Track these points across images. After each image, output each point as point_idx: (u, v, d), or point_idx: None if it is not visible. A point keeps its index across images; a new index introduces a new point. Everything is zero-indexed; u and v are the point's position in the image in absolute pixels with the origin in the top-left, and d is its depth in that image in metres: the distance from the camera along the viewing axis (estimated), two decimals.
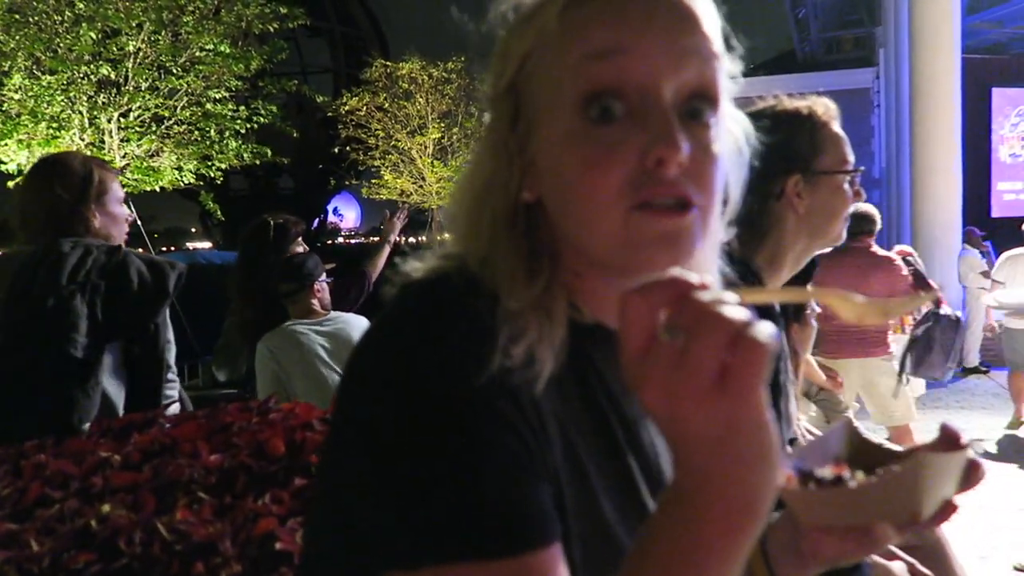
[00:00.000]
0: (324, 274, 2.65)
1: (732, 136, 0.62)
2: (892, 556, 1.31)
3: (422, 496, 0.47)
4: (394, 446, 0.49)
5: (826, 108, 1.32)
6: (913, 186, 10.26)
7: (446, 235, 0.64)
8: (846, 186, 1.32)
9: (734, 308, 0.40)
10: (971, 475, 0.51)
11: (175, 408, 1.99)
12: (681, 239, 0.55)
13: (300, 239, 2.90)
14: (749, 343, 0.39)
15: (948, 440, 0.50)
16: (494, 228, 0.59)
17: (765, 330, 0.39)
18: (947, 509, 0.50)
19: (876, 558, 1.24)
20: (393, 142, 16.56)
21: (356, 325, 2.58)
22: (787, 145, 1.28)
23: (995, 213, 17.67)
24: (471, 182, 0.62)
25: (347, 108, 16.60)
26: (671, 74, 0.54)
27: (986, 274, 8.49)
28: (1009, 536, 3.93)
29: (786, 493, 0.54)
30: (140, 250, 3.40)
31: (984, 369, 8.30)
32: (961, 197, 9.91)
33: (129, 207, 2.18)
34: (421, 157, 16.34)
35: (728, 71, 0.59)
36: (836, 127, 1.34)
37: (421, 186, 16.48)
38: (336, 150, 17.04)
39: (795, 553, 0.62)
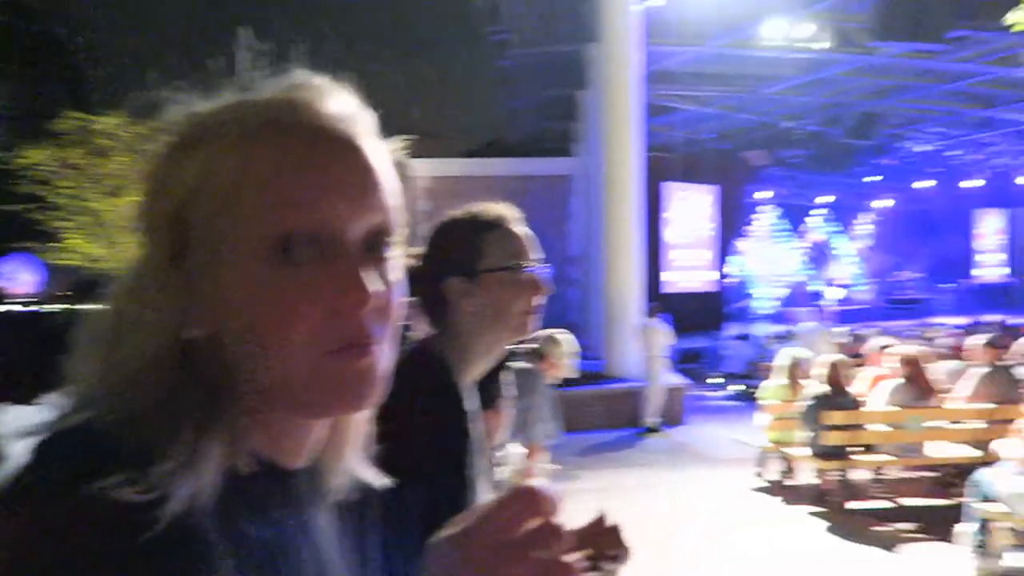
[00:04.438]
0: None
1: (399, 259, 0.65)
2: None
3: None
4: None
5: (495, 212, 1.44)
6: (605, 264, 11.55)
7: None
8: (517, 280, 1.41)
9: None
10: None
11: None
12: (371, 376, 0.58)
13: None
14: None
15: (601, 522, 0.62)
16: (150, 371, 0.55)
17: None
18: None
19: None
20: (84, 202, 14.72)
21: None
22: (446, 251, 1.39)
23: (664, 290, 20.48)
24: (116, 320, 0.57)
25: (26, 161, 14.48)
26: (357, 221, 0.57)
27: (666, 345, 9.74)
28: None
29: None
30: None
31: (659, 429, 9.39)
32: (643, 275, 11.36)
33: None
34: (117, 221, 14.61)
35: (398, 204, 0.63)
36: (509, 227, 1.45)
37: (115, 251, 14.73)
38: (8, 208, 14.68)
39: None
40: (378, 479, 0.72)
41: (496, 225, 1.41)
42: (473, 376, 1.46)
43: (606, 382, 10.38)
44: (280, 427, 0.61)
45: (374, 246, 0.59)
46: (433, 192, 21.20)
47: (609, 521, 0.68)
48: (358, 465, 0.70)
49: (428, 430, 1.24)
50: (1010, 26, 6.49)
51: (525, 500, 0.52)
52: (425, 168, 21.03)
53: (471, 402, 1.39)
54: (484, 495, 1.44)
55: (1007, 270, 34.88)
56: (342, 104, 0.60)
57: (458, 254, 1.38)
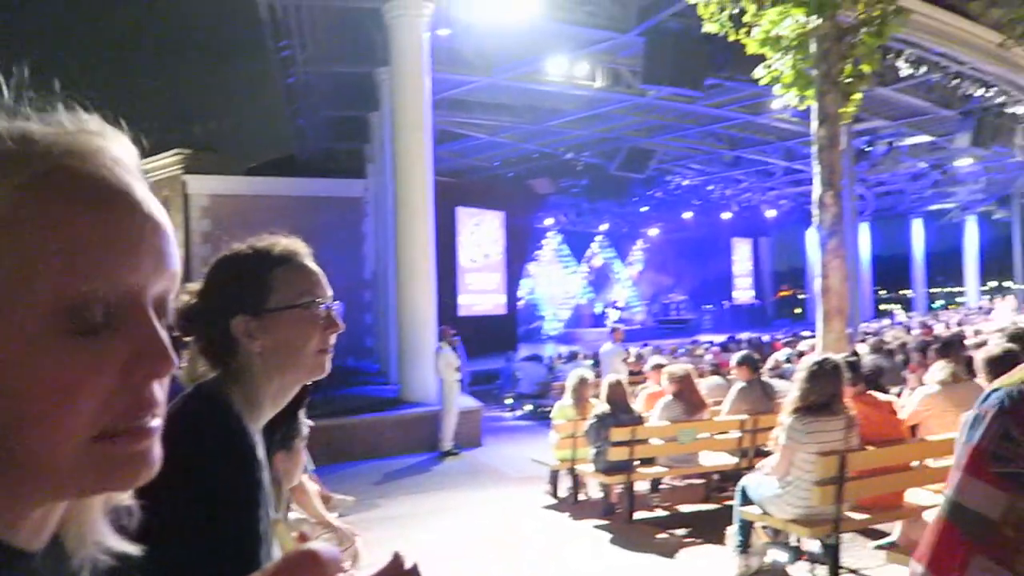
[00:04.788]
0: None
1: None
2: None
3: None
4: None
5: (285, 246, 1.35)
6: (398, 288, 11.48)
7: None
8: (309, 318, 1.33)
9: None
10: None
11: None
12: (151, 453, 0.52)
13: None
14: None
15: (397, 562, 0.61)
16: None
17: None
18: None
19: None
20: None
21: None
22: (231, 288, 1.29)
23: (460, 313, 20.80)
24: None
25: None
26: (153, 286, 0.52)
27: (458, 368, 9.83)
28: None
29: None
30: None
31: (456, 452, 9.48)
32: (436, 299, 11.42)
33: None
34: None
35: None
36: (301, 261, 1.36)
37: None
38: None
39: None
40: (139, 547, 0.63)
41: (285, 259, 1.33)
42: (264, 419, 1.36)
43: (402, 407, 10.29)
44: (18, 505, 0.51)
45: (159, 311, 0.53)
46: (211, 211, 19.95)
47: (406, 561, 0.67)
48: (110, 534, 0.60)
49: (214, 484, 1.13)
50: (757, 79, 7.36)
51: (304, 565, 0.50)
52: (204, 185, 19.70)
53: (261, 448, 1.29)
54: (275, 551, 1.34)
55: (754, 292, 39.63)
56: (129, 155, 0.54)
57: (245, 291, 1.28)
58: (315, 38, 14.24)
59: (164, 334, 0.52)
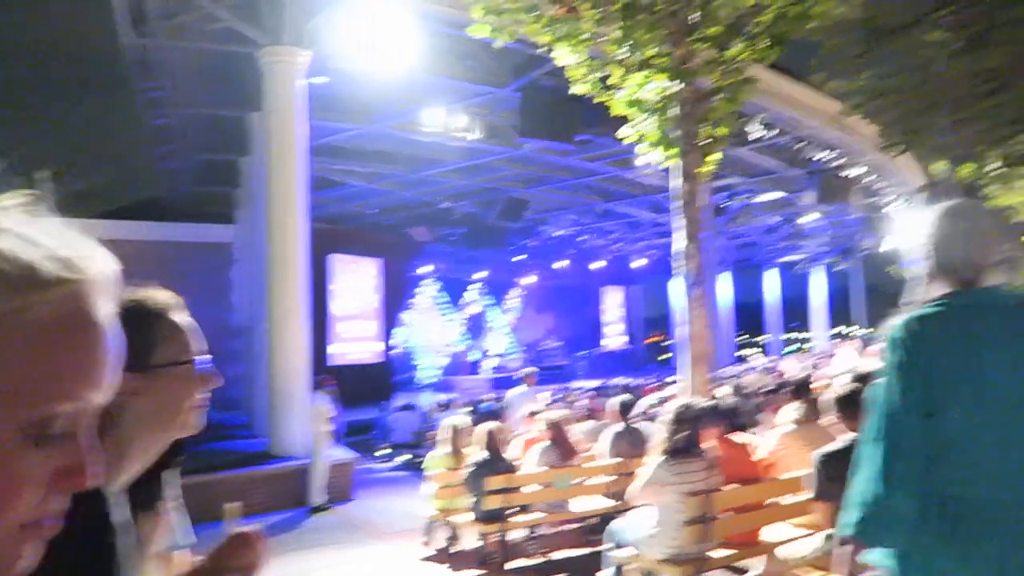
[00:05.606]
0: None
1: None
2: None
3: None
4: None
5: (162, 299, 1.31)
6: (269, 337, 11.06)
7: None
8: (193, 374, 1.31)
9: None
10: None
11: None
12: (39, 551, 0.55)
13: None
14: None
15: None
16: None
17: None
18: None
19: None
20: None
21: None
22: None
23: (331, 362, 20.31)
24: None
25: None
26: (98, 400, 0.56)
27: (330, 420, 9.53)
28: None
29: None
30: None
31: (327, 506, 9.14)
32: (310, 348, 11.07)
33: None
34: None
35: None
36: (176, 316, 1.33)
37: None
38: None
39: None
40: None
41: (163, 313, 1.29)
42: (126, 479, 1.29)
43: (271, 462, 9.84)
44: None
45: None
46: None
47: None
48: None
49: (65, 549, 1.06)
50: (623, 139, 7.75)
51: (242, 544, 0.61)
52: None
53: (121, 511, 1.22)
54: None
55: (626, 338, 41.01)
56: (110, 272, 0.58)
57: (131, 346, 1.22)
58: (185, 81, 13.78)
59: (96, 449, 0.54)
